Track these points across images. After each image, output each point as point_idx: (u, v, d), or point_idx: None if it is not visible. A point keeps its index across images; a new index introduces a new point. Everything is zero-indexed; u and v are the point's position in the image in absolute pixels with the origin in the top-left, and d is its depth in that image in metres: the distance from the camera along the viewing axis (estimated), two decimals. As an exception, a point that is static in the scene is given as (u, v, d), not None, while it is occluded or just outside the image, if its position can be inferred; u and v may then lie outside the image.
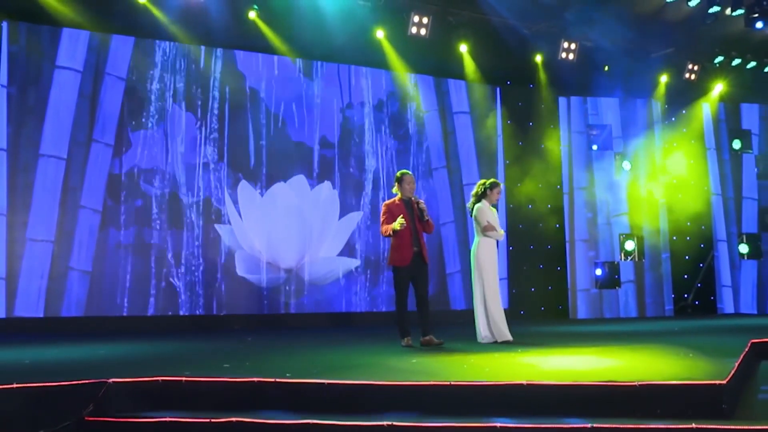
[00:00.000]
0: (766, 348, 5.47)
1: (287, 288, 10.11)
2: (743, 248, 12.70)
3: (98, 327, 8.91)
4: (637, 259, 12.14)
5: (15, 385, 4.11)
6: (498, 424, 3.57)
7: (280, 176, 10.24)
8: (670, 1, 10.61)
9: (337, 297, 10.42)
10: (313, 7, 9.76)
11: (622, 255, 12.06)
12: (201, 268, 9.64)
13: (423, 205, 6.58)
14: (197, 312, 9.56)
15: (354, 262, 10.55)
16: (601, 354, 5.69)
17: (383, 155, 10.96)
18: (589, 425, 3.39)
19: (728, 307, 12.53)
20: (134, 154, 9.47)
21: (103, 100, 9.36)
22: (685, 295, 12.69)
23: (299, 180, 10.36)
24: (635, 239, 12.15)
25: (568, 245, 11.88)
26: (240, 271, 9.83)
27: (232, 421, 3.95)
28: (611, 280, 11.90)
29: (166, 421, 4.07)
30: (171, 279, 9.46)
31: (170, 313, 9.42)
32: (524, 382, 3.90)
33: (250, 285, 9.89)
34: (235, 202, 9.93)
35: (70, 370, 5.00)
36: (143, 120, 9.57)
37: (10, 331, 8.38)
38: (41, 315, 8.77)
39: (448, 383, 4.05)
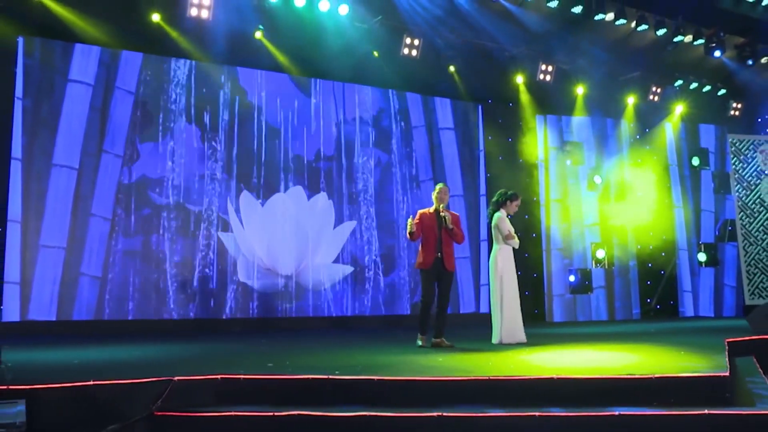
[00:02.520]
0: (739, 346, 6.23)
1: (286, 293, 10.59)
2: (701, 257, 13.61)
3: (108, 330, 9.20)
4: (607, 267, 12.89)
5: (92, 383, 4.39)
6: (536, 413, 4.07)
7: (279, 187, 10.73)
8: (640, 30, 11.49)
9: (332, 302, 10.93)
10: (313, 28, 10.27)
11: (594, 262, 12.83)
12: (204, 273, 10.04)
13: (445, 214, 7.07)
14: (201, 315, 9.94)
15: (347, 269, 11.09)
16: (604, 350, 6.35)
17: (375, 168, 11.54)
18: (616, 413, 4.02)
19: (689, 310, 13.41)
20: (142, 164, 9.83)
21: (113, 112, 9.69)
22: (648, 300, 13.51)
23: (297, 191, 10.86)
24: (605, 248, 12.94)
25: (544, 253, 12.54)
26: (241, 276, 10.28)
27: (293, 415, 4.21)
28: (584, 285, 12.60)
29: (231, 415, 4.33)
30: (176, 284, 9.84)
31: (176, 316, 9.78)
32: (554, 377, 4.51)
33: (251, 290, 10.33)
34: (237, 212, 10.38)
35: (121, 369, 5.31)
36: (151, 132, 9.94)
37: (25, 334, 8.56)
38: (53, 318, 9.05)
39: (487, 378, 4.57)
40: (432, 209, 7.20)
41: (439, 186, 7.28)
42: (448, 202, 7.33)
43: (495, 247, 7.55)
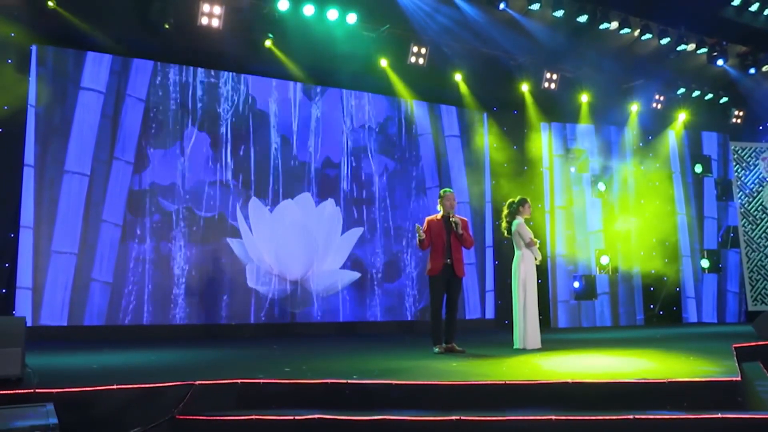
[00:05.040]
0: (745, 351, 6.33)
1: (293, 298, 10.66)
2: (704, 263, 13.70)
3: (118, 335, 9.27)
4: (611, 273, 12.98)
5: (115, 387, 4.50)
6: (553, 417, 4.15)
7: (288, 194, 10.81)
8: (644, 39, 11.63)
9: (340, 307, 11.00)
10: (322, 36, 10.38)
11: (598, 269, 12.92)
12: (214, 279, 10.13)
13: (456, 220, 7.12)
14: (210, 321, 10.02)
15: (355, 275, 11.18)
16: (613, 356, 6.42)
17: (382, 175, 11.64)
18: (631, 416, 4.11)
19: (692, 316, 13.47)
20: (153, 171, 9.91)
21: (123, 120, 9.77)
22: (650, 306, 13.60)
23: (305, 197, 10.94)
24: (609, 254, 13.02)
25: (549, 260, 12.58)
26: (250, 282, 10.35)
27: (314, 418, 4.28)
28: (588, 291, 12.68)
29: (252, 419, 4.40)
30: (186, 290, 9.92)
31: (185, 322, 9.86)
32: (569, 381, 4.60)
33: (260, 296, 10.41)
34: (246, 218, 10.46)
35: (141, 374, 5.40)
36: (161, 139, 10.03)
37: (37, 339, 8.47)
38: (65, 324, 9.11)
39: (504, 382, 4.67)
40: (440, 215, 7.25)
41: (446, 192, 7.30)
42: (455, 207, 7.37)
43: (517, 253, 7.65)
